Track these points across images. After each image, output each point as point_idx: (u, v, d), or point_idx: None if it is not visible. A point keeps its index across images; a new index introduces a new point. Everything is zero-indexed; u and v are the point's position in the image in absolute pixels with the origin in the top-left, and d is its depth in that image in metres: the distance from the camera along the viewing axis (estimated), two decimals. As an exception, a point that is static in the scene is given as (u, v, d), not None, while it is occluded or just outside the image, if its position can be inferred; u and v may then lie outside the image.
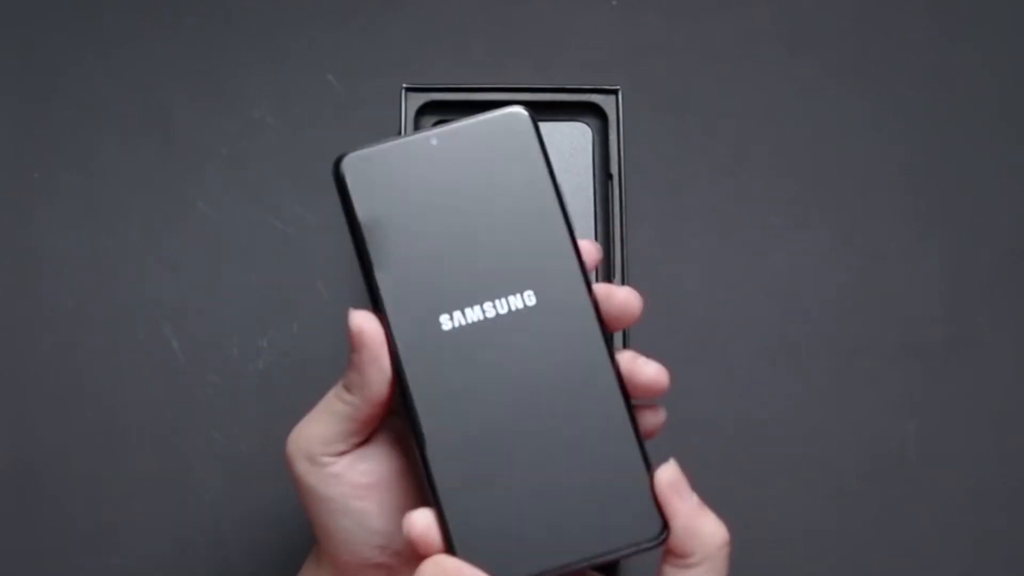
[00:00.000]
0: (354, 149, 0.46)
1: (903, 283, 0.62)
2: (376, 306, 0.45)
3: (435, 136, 0.47)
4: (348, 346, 0.44)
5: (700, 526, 0.42)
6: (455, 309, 0.45)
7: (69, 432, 0.59)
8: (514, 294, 0.45)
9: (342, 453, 0.44)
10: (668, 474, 0.42)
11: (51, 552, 0.57)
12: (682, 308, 0.61)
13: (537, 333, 0.45)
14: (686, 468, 0.59)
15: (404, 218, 0.46)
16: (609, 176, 0.55)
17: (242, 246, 0.62)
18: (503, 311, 0.45)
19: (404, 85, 0.56)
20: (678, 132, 0.64)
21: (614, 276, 0.55)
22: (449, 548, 0.42)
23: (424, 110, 0.57)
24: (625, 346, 0.54)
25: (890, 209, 0.63)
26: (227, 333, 0.60)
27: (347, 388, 0.44)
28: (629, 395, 0.44)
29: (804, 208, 0.63)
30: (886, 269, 0.62)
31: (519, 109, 0.47)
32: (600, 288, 0.44)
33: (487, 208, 0.46)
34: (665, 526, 0.43)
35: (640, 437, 0.44)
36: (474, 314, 0.45)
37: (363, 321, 0.43)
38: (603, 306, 0.44)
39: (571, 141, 0.56)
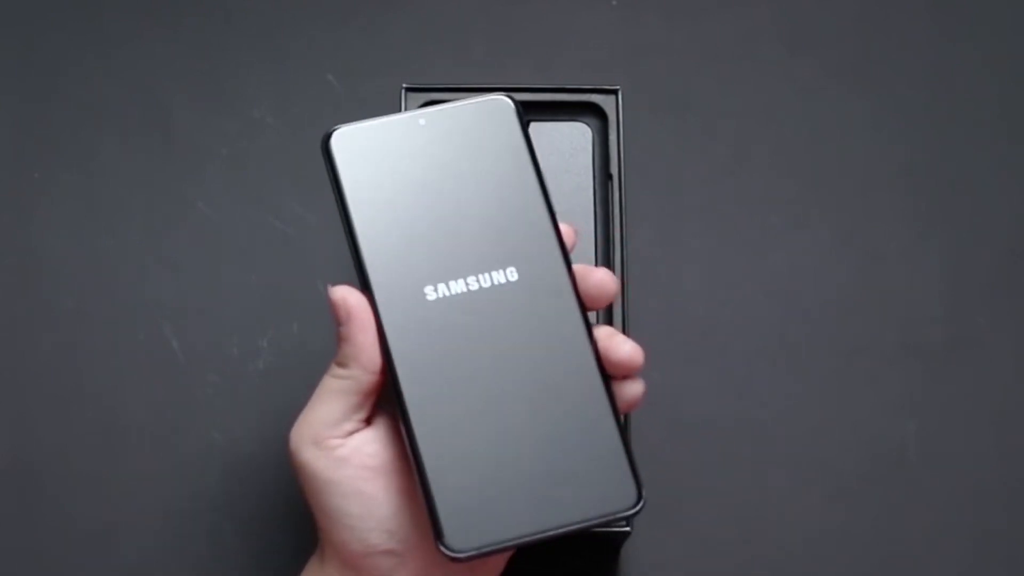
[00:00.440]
0: (343, 125, 0.47)
1: (903, 283, 0.62)
2: (362, 278, 0.46)
3: (423, 116, 0.48)
4: (335, 321, 0.44)
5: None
6: (439, 281, 0.46)
7: (69, 432, 0.59)
8: (497, 270, 0.46)
9: (349, 433, 0.44)
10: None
11: (51, 552, 0.57)
12: (682, 308, 0.61)
13: (519, 307, 0.46)
14: (686, 468, 0.59)
15: (390, 193, 0.47)
16: (609, 176, 0.55)
17: (242, 246, 0.62)
18: (486, 285, 0.46)
19: (404, 85, 0.56)
20: (678, 132, 0.64)
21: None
22: (431, 510, 0.43)
23: (424, 110, 0.57)
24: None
25: (890, 209, 0.63)
26: (227, 333, 0.60)
27: (341, 364, 0.44)
28: (606, 369, 0.45)
29: (804, 208, 0.63)
30: (886, 269, 0.62)
31: (503, 96, 0.48)
32: (578, 268, 0.45)
33: (471, 188, 0.47)
34: (640, 495, 0.44)
35: (616, 409, 0.45)
36: (458, 286, 0.46)
37: (346, 293, 0.44)
38: (580, 285, 0.45)
39: (571, 141, 0.56)
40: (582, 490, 0.44)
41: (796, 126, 0.64)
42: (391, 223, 0.47)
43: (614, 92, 0.56)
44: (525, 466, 0.44)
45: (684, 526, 0.58)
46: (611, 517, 0.44)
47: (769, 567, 0.58)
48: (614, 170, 0.55)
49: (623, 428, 0.45)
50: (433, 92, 0.56)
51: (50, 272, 0.61)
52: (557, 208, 0.46)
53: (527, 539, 0.43)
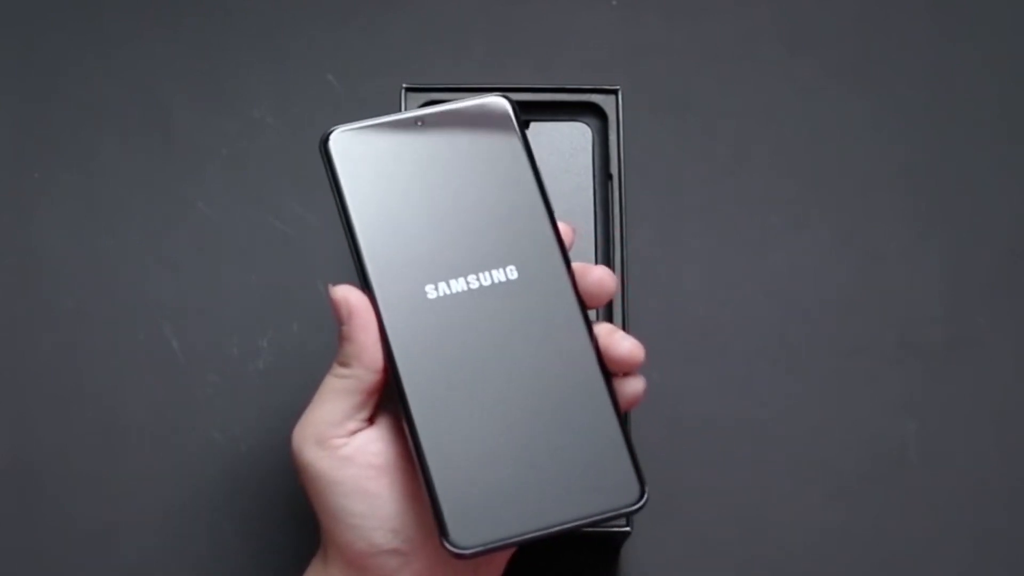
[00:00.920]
0: (341, 125, 0.47)
1: (903, 283, 0.62)
2: (363, 277, 0.46)
3: (421, 117, 0.48)
4: (336, 320, 0.44)
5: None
6: (440, 280, 0.46)
7: (69, 432, 0.59)
8: (497, 268, 0.46)
9: (352, 433, 0.44)
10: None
11: (51, 552, 0.57)
12: (682, 308, 0.61)
13: (519, 305, 0.46)
14: (686, 468, 0.59)
15: (389, 193, 0.47)
16: (609, 176, 0.55)
17: (242, 246, 0.62)
18: (486, 283, 0.46)
19: (404, 85, 0.56)
20: (678, 132, 0.64)
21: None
22: (435, 508, 0.43)
23: (424, 110, 0.57)
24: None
25: (890, 209, 0.63)
26: (227, 333, 0.60)
27: (343, 363, 0.44)
28: (607, 365, 0.45)
29: (804, 208, 0.63)
30: (886, 269, 0.62)
31: (500, 97, 0.49)
32: (577, 266, 0.46)
33: (470, 187, 0.48)
34: (643, 491, 0.44)
35: (617, 405, 0.45)
36: (458, 285, 0.46)
37: (347, 292, 0.44)
38: (580, 283, 0.45)
39: (571, 141, 0.56)
40: (585, 487, 0.44)
41: (796, 126, 0.64)
42: (390, 222, 0.47)
43: (614, 92, 0.56)
44: (528, 463, 0.44)
45: (684, 526, 0.58)
46: (614, 513, 0.44)
47: (769, 567, 0.58)
48: (614, 170, 0.55)
49: (625, 424, 0.45)
50: (433, 92, 0.56)
51: (50, 272, 0.61)
52: (557, 208, 0.47)
53: (531, 536, 0.43)
